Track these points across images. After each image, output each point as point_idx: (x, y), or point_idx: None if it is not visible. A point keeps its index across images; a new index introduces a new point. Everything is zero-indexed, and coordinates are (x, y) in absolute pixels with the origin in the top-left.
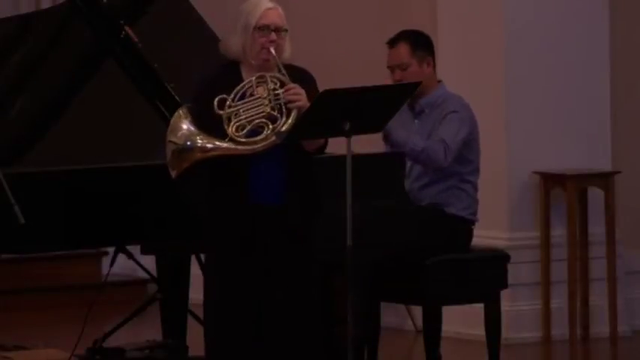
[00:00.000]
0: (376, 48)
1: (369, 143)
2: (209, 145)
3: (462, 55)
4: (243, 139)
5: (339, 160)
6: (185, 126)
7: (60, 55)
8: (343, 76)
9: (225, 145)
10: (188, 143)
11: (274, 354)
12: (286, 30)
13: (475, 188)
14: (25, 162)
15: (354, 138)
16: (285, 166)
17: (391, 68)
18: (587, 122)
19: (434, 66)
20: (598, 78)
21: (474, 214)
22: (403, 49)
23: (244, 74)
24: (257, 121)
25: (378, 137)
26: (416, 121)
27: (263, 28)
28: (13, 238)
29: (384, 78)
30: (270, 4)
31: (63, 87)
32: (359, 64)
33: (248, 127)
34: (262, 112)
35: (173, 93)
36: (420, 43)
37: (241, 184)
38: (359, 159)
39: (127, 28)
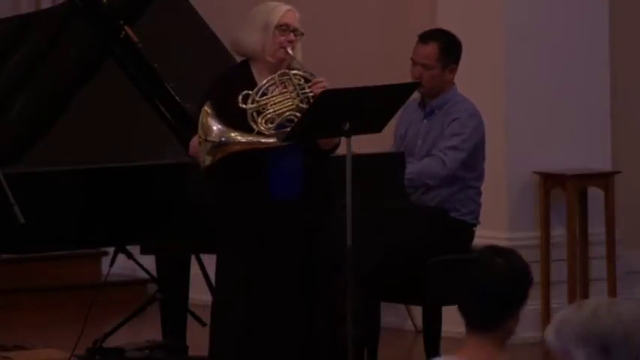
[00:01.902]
0: (376, 48)
1: (369, 143)
2: (244, 140)
3: (462, 56)
4: (273, 132)
5: (339, 160)
6: (215, 127)
7: (60, 55)
8: (343, 76)
9: (257, 139)
10: (223, 139)
11: (281, 351)
12: (303, 33)
13: (479, 194)
14: (25, 162)
15: (354, 138)
16: (301, 164)
17: (413, 61)
18: (587, 122)
19: (455, 71)
20: (598, 78)
21: (476, 218)
22: (432, 50)
23: (255, 73)
24: (287, 114)
25: (378, 137)
26: (424, 120)
27: (284, 27)
28: (13, 238)
29: (385, 78)
30: (289, 6)
31: (63, 87)
32: (359, 64)
33: (277, 120)
34: (291, 105)
35: (173, 93)
36: (451, 48)
37: (258, 181)
38: (359, 159)
39: (126, 28)
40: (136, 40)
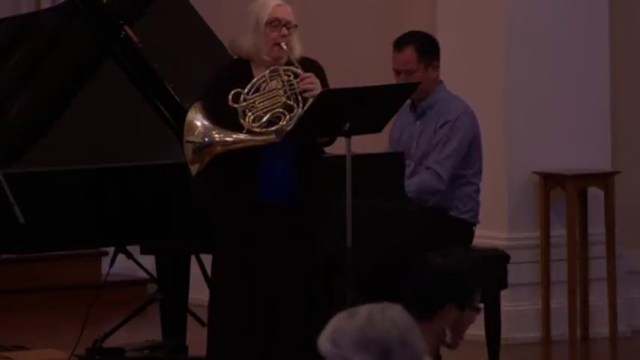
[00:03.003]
0: (376, 48)
1: (369, 143)
2: (227, 139)
3: (462, 56)
4: (260, 130)
5: (339, 160)
6: (199, 123)
7: (60, 55)
8: (343, 76)
9: (242, 136)
10: (206, 139)
11: (279, 351)
12: (296, 26)
13: (478, 191)
14: (25, 162)
15: (354, 138)
16: (296, 165)
17: (396, 71)
18: (587, 122)
19: (439, 67)
20: (598, 78)
21: (476, 216)
22: (410, 55)
23: (255, 72)
24: (274, 111)
25: (378, 137)
26: (417, 122)
27: (274, 23)
28: (13, 238)
29: (384, 78)
30: (278, 1)
31: (63, 87)
32: (359, 64)
33: (265, 118)
34: (278, 102)
35: (173, 93)
36: (427, 47)
37: (252, 182)
38: (359, 159)
39: (126, 28)
40: (135, 40)
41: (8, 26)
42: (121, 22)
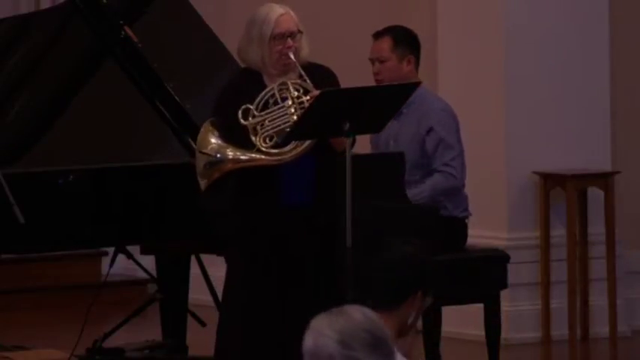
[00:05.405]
0: None
1: (369, 143)
2: (240, 157)
3: (461, 57)
4: (272, 150)
5: (339, 160)
6: (214, 140)
7: (60, 55)
8: (343, 76)
9: (254, 155)
10: (218, 155)
11: (296, 353)
12: (301, 32)
13: (463, 185)
14: (25, 162)
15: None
16: (314, 167)
17: (372, 60)
18: (587, 122)
19: (416, 65)
20: (598, 78)
21: (466, 209)
22: (385, 43)
23: (267, 82)
24: (285, 131)
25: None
26: (394, 121)
27: (279, 37)
28: (13, 238)
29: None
30: (281, 10)
31: (63, 87)
32: (359, 64)
33: (276, 138)
34: (288, 121)
35: (172, 93)
36: (404, 39)
37: (272, 185)
38: (359, 159)
39: (126, 28)
40: (135, 40)
41: (8, 26)
42: (121, 22)
